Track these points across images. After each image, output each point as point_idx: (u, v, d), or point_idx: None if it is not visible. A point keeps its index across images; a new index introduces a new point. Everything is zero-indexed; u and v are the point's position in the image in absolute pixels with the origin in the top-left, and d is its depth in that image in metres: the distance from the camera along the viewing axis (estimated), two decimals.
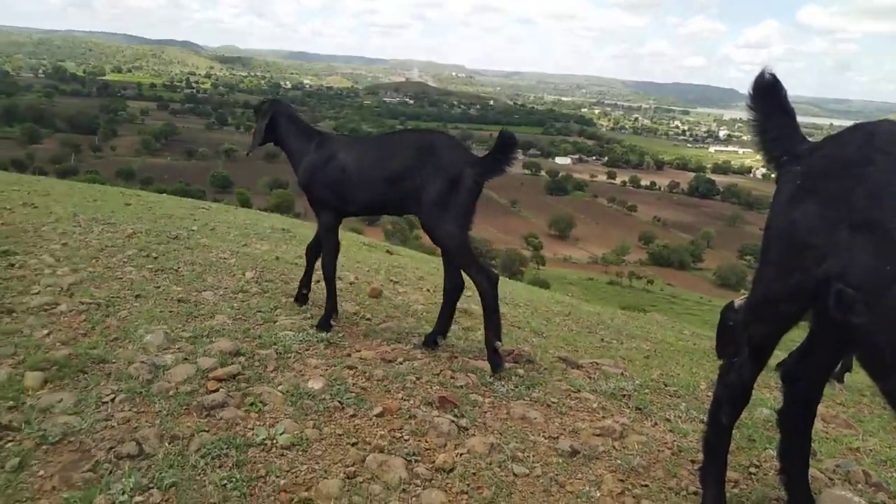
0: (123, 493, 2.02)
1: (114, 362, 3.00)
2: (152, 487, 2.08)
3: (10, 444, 2.26)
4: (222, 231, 6.97)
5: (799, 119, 2.20)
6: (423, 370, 3.33)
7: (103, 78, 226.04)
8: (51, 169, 60.07)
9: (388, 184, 3.53)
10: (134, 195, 10.36)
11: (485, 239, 69.54)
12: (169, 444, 2.35)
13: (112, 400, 2.64)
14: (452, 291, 3.73)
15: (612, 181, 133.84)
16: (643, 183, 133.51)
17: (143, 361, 2.98)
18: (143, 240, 5.65)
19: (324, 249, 3.98)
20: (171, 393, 2.74)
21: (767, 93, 2.17)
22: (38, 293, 3.89)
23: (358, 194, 3.67)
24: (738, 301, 5.24)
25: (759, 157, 2.27)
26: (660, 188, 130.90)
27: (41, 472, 2.13)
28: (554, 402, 3.14)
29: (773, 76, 2.14)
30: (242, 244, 6.29)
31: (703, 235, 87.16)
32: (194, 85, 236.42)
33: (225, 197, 60.27)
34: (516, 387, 3.29)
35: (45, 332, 3.32)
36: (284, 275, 5.14)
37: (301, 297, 4.30)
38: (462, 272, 3.59)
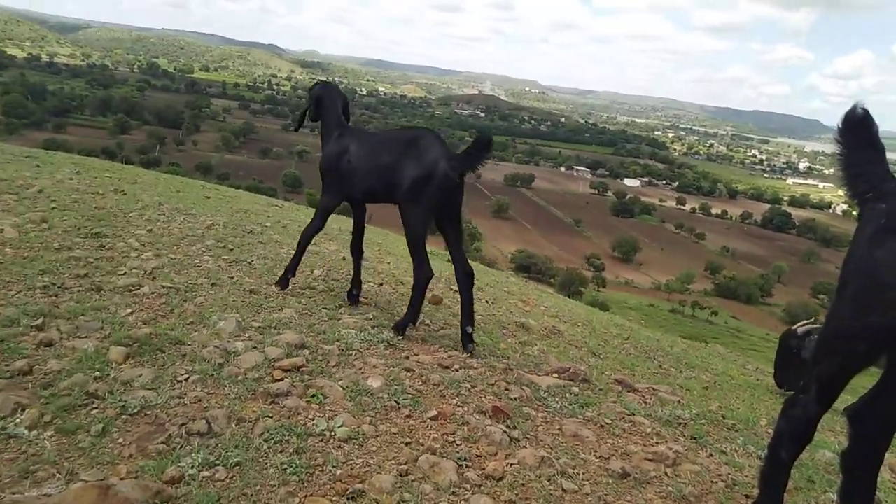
0: (192, 467, 2.15)
1: (189, 344, 3.18)
2: (218, 464, 2.20)
3: (94, 412, 2.44)
4: (294, 229, 7.23)
5: (890, 155, 2.16)
6: (478, 379, 3.38)
7: (192, 75, 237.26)
8: (137, 159, 63.41)
9: (379, 174, 3.94)
10: (213, 189, 10.86)
11: (546, 256, 69.00)
12: (235, 425, 2.49)
13: (186, 379, 2.81)
14: (465, 280, 3.93)
15: (682, 207, 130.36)
16: (714, 211, 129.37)
17: (215, 346, 3.15)
18: (220, 232, 5.95)
19: (310, 224, 4.33)
20: (239, 378, 2.89)
21: (857, 126, 2.13)
22: (124, 274, 4.16)
23: (358, 183, 4.08)
24: (801, 328, 5.07)
25: (841, 192, 2.23)
26: (731, 217, 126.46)
27: (120, 440, 2.30)
28: (607, 423, 3.13)
29: (865, 111, 2.11)
30: (312, 243, 6.50)
31: (774, 269, 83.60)
32: (275, 87, 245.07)
33: (294, 196, 62.15)
34: (570, 404, 3.29)
35: (129, 311, 3.55)
36: (350, 275, 5.28)
37: (352, 298, 4.46)
38: (464, 261, 3.96)
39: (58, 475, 2.03)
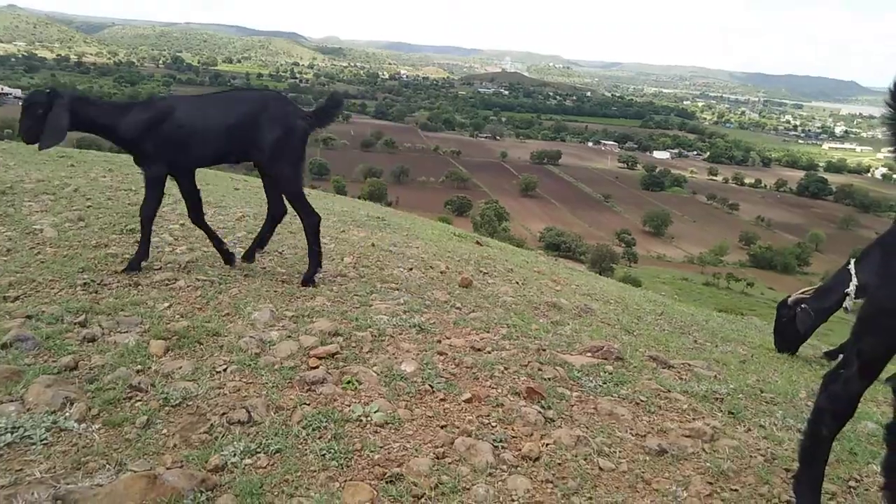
0: (234, 455, 2.21)
1: (226, 335, 3.25)
2: (260, 452, 2.26)
3: (139, 404, 2.52)
4: (322, 217, 7.29)
5: None
6: (510, 360, 3.39)
7: (215, 68, 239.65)
8: None
9: (229, 137, 4.07)
10: (242, 180, 10.98)
11: (575, 233, 68.45)
12: (274, 413, 2.54)
13: (224, 370, 2.87)
14: (276, 217, 4.61)
15: (714, 178, 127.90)
16: (747, 180, 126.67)
17: (251, 336, 3.21)
18: (251, 223, 6.03)
19: (146, 200, 4.17)
20: (276, 367, 2.95)
21: None
22: (159, 269, 4.26)
23: (197, 148, 4.12)
24: (793, 297, 5.05)
25: (886, 154, 2.15)
26: (765, 186, 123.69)
27: (164, 431, 2.37)
28: (643, 401, 3.11)
29: None
30: (341, 230, 6.57)
31: (811, 238, 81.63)
32: (297, 75, 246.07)
33: (321, 184, 62.62)
34: (604, 383, 3.28)
35: (166, 304, 3.64)
36: (380, 261, 5.33)
37: (226, 255, 4.54)
38: (287, 203, 4.43)
39: (108, 466, 2.10)
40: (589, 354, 3.70)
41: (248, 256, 4.63)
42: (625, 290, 8.02)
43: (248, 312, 3.62)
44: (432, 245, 7.03)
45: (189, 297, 3.81)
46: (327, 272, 4.68)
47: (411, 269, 5.32)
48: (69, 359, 2.77)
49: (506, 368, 3.27)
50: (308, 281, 4.27)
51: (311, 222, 4.30)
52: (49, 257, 4.25)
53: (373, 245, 5.96)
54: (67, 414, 2.37)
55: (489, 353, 3.49)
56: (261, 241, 4.67)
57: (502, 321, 4.19)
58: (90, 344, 3.00)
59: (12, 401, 2.41)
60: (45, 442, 2.20)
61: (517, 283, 5.82)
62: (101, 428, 2.33)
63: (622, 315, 5.44)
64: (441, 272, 5.41)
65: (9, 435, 2.19)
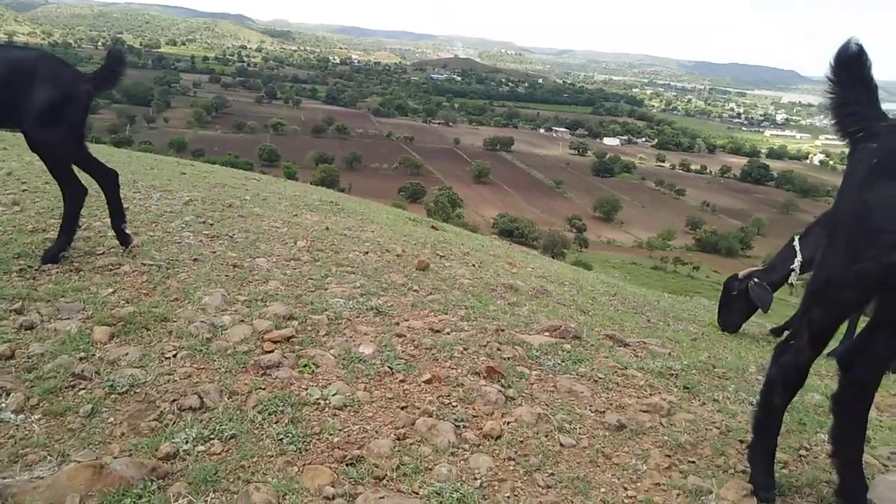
0: (187, 442, 2.12)
1: (175, 321, 3.12)
2: (213, 438, 2.18)
3: (82, 392, 2.39)
4: (273, 201, 7.12)
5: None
6: (469, 341, 3.37)
7: (158, 50, 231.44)
8: (107, 139, 61.95)
9: None
10: (188, 165, 10.64)
11: (528, 219, 69.11)
12: (228, 399, 2.45)
13: (174, 356, 2.76)
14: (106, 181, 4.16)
15: (661, 164, 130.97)
16: (693, 167, 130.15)
17: (202, 321, 3.10)
18: (199, 207, 5.83)
19: None
20: (229, 352, 2.85)
21: (850, 63, 2.08)
22: (102, 254, 4.07)
23: None
24: (743, 272, 5.25)
25: (825, 137, 2.20)
26: (711, 172, 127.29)
27: (111, 419, 2.25)
28: (601, 378, 3.14)
29: (860, 46, 2.05)
30: (293, 214, 6.41)
31: (753, 222, 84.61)
32: (245, 59, 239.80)
33: (272, 170, 61.29)
34: (563, 361, 3.30)
35: (111, 290, 3.47)
36: (335, 244, 5.23)
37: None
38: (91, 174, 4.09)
39: (49, 457, 1.99)
40: (547, 334, 3.71)
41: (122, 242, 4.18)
42: (578, 273, 8.13)
43: (199, 297, 3.49)
44: (388, 229, 6.95)
45: (135, 283, 3.64)
46: (280, 256, 4.56)
47: (367, 253, 5.24)
48: (4, 347, 2.61)
49: (465, 349, 3.24)
50: (52, 256, 3.76)
51: (76, 196, 3.94)
52: None
53: (327, 229, 5.85)
54: (3, 405, 2.23)
55: (448, 334, 3.46)
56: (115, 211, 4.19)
57: (460, 303, 4.17)
58: (28, 332, 2.84)
59: None
60: None
61: (474, 265, 5.80)
62: (42, 418, 2.21)
63: (577, 296, 5.49)
64: (398, 255, 5.35)
65: None
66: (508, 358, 3.21)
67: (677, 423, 2.74)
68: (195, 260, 4.20)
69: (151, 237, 4.58)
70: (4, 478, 1.85)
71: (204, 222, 5.25)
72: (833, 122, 2.12)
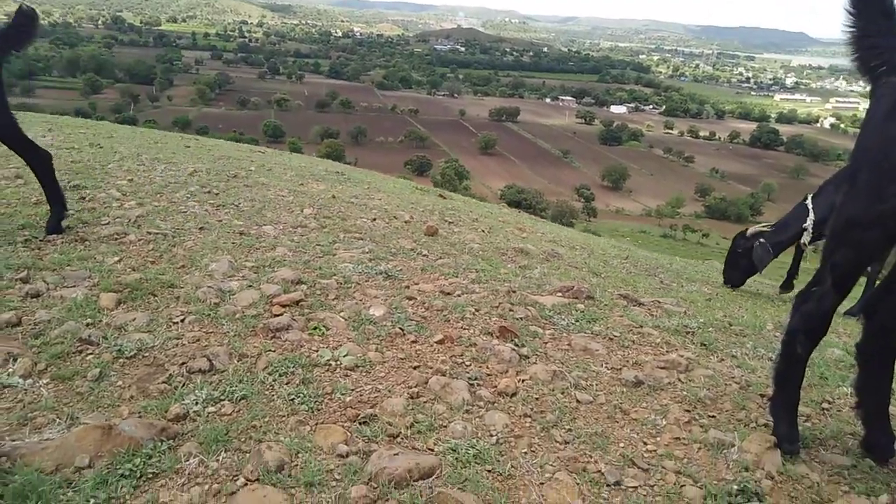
0: (197, 404, 2.08)
1: (182, 287, 3.08)
2: (224, 399, 2.14)
3: (90, 357, 2.36)
4: (279, 172, 7.05)
5: None
6: (481, 303, 3.31)
7: (159, 28, 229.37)
8: (111, 118, 61.76)
9: None
10: (193, 139, 10.56)
11: (535, 190, 68.69)
12: (238, 361, 2.41)
13: (182, 321, 2.72)
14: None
15: (669, 131, 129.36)
16: (702, 133, 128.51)
17: (209, 287, 3.05)
18: (203, 178, 5.76)
19: None
20: (237, 316, 2.81)
21: None
22: (107, 223, 4.02)
23: None
24: (751, 230, 5.17)
25: (852, 67, 2.08)
26: (719, 138, 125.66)
27: (120, 383, 2.22)
28: (616, 336, 3.08)
29: None
30: (299, 184, 6.35)
31: (763, 188, 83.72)
32: (246, 34, 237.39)
33: (277, 146, 60.97)
34: (577, 321, 3.24)
35: (116, 258, 3.42)
36: (342, 212, 5.16)
37: None
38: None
39: (58, 420, 1.95)
40: (559, 294, 3.65)
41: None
42: (589, 238, 8.04)
43: (205, 264, 3.44)
44: (395, 197, 6.88)
45: (141, 251, 3.60)
46: (287, 224, 4.51)
47: (375, 220, 5.17)
48: (11, 315, 2.57)
49: (477, 310, 3.19)
50: (54, 227, 3.64)
51: (42, 160, 3.71)
52: None
53: (333, 197, 5.78)
54: (11, 370, 2.19)
55: (459, 296, 3.40)
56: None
57: (471, 266, 4.10)
58: (34, 299, 2.80)
59: None
60: None
61: (483, 231, 5.73)
62: (50, 383, 2.17)
63: (589, 259, 5.42)
64: (406, 222, 5.28)
65: None
66: (521, 318, 3.15)
67: (696, 379, 2.68)
68: (201, 228, 4.15)
69: (156, 207, 4.52)
70: (14, 440, 1.82)
71: (209, 192, 5.18)
72: (853, 57, 2.02)
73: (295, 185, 6.18)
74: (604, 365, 2.74)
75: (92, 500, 1.60)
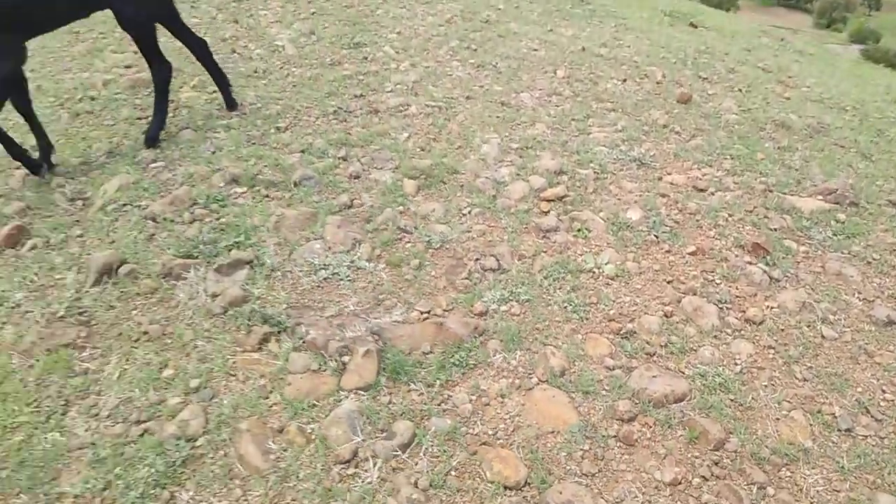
0: (493, 302, 2.68)
1: (463, 173, 3.62)
2: (512, 300, 2.71)
3: (408, 245, 3.05)
4: (525, 9, 7.04)
5: None
6: (735, 205, 3.43)
7: None
8: None
9: None
10: None
11: None
12: (518, 261, 2.95)
13: (469, 212, 3.28)
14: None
15: None
16: None
17: (486, 177, 3.55)
18: (460, 27, 6.06)
19: None
20: (512, 210, 3.31)
21: None
22: (391, 91, 4.62)
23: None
24: None
25: None
26: None
27: (433, 273, 2.89)
28: (875, 260, 3.08)
29: None
30: (548, 29, 6.36)
31: None
32: None
33: None
34: (834, 235, 3.25)
35: (405, 135, 4.04)
36: (593, 72, 5.23)
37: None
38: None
39: (398, 304, 2.68)
40: (820, 197, 3.59)
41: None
42: (863, 88, 7.04)
43: (477, 144, 3.92)
44: (644, 39, 6.60)
45: (423, 126, 4.16)
46: (543, 91, 4.75)
47: (625, 80, 5.18)
48: (346, 197, 3.33)
49: (730, 215, 3.34)
50: (152, 140, 3.76)
51: (163, 74, 3.76)
52: (297, 79, 4.76)
53: (583, 49, 5.77)
54: (359, 254, 2.96)
55: (712, 194, 3.54)
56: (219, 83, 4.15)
57: (725, 150, 4.10)
58: (356, 181, 3.53)
59: (316, 239, 3.04)
60: (349, 278, 2.82)
61: (740, 90, 5.41)
62: (385, 268, 2.90)
63: (860, 129, 4.95)
64: (657, 83, 5.20)
65: (323, 271, 2.83)
66: (775, 229, 3.25)
67: None
68: (468, 98, 4.59)
69: (427, 69, 5.01)
70: (375, 318, 2.59)
71: (468, 48, 5.52)
72: None
73: (544, 32, 6.23)
74: (856, 295, 2.83)
75: (437, 381, 2.31)
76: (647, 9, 8.96)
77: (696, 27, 8.36)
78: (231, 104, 4.18)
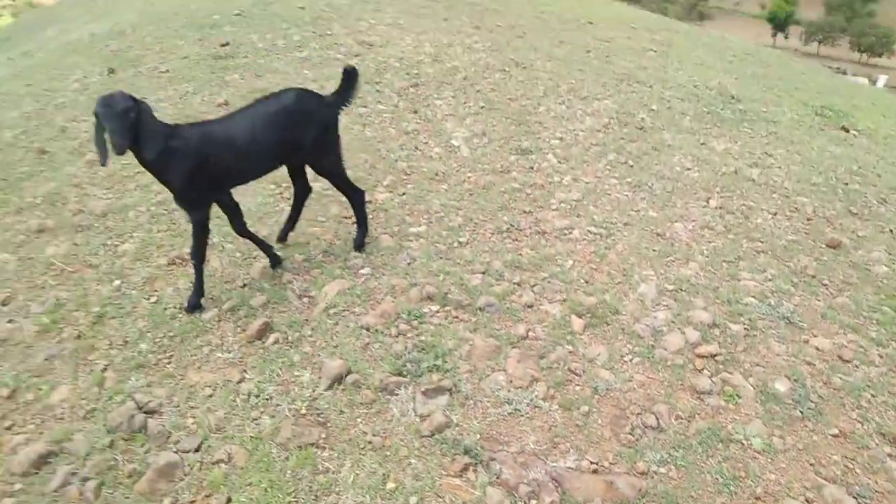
0: (653, 463, 3.15)
1: (623, 315, 4.10)
2: (670, 463, 3.17)
3: (577, 388, 3.57)
4: (678, 112, 7.40)
5: None
6: (878, 384, 3.70)
7: None
8: None
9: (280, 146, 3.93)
10: (593, 39, 11.03)
11: None
12: (675, 421, 3.40)
13: (630, 360, 3.77)
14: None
15: None
16: None
17: (646, 324, 4.02)
18: (616, 133, 6.54)
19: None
20: (668, 363, 3.75)
21: None
22: (556, 210, 5.16)
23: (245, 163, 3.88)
24: None
25: None
26: None
27: (599, 422, 3.39)
28: None
29: None
30: (700, 142, 6.71)
31: None
32: None
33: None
34: None
35: (570, 262, 4.57)
36: (744, 203, 5.55)
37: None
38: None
39: (571, 450, 3.21)
40: None
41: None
42: None
43: (636, 282, 4.39)
44: (794, 154, 6.79)
45: (585, 253, 4.68)
46: (696, 223, 5.15)
47: (775, 214, 5.46)
48: (522, 329, 3.90)
49: (873, 396, 3.62)
50: (360, 245, 4.53)
51: (361, 197, 4.44)
52: (472, 186, 5.41)
53: (735, 172, 6.09)
54: (536, 392, 3.51)
55: (856, 367, 3.82)
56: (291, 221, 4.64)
57: (872, 312, 4.33)
58: (529, 309, 4.10)
59: (500, 370, 3.63)
60: (528, 416, 3.38)
61: (891, 231, 5.54)
62: (558, 409, 3.44)
63: None
64: (807, 219, 5.45)
65: (507, 406, 3.41)
66: None
67: None
68: (626, 224, 5.06)
69: (587, 186, 5.53)
70: (552, 462, 3.13)
71: (624, 162, 5.99)
72: None
73: (696, 145, 6.58)
74: None
75: None
76: (797, 103, 9.03)
77: (847, 131, 8.37)
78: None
